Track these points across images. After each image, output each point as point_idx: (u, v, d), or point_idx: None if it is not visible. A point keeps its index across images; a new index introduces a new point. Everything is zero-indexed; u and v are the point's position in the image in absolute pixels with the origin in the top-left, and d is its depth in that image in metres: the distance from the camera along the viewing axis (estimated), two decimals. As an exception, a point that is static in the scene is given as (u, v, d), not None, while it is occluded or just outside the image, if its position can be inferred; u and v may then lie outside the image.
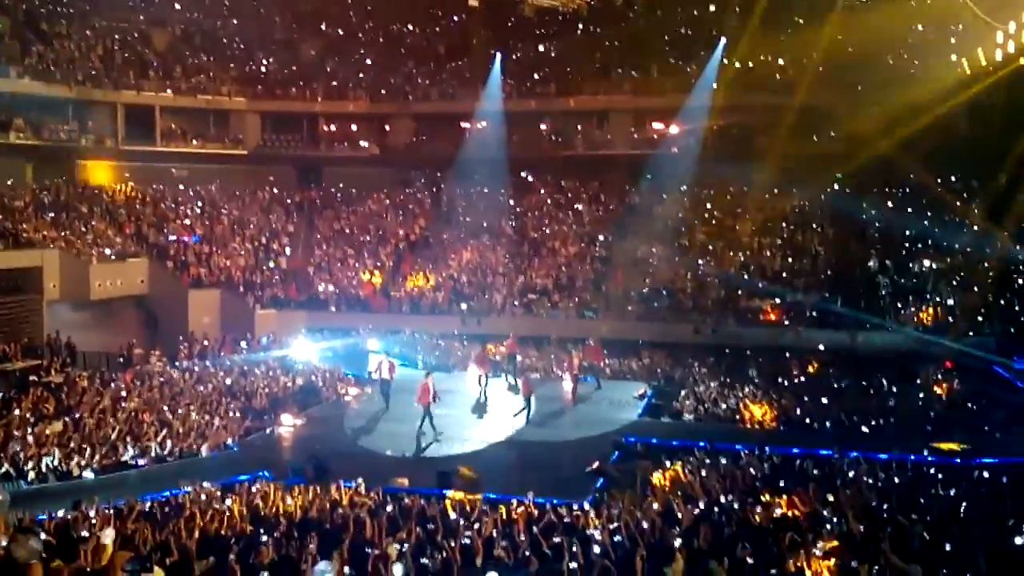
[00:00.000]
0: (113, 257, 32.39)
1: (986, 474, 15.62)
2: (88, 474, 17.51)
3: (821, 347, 28.21)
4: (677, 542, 10.99)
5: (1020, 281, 29.35)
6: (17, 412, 20.46)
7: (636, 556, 10.10)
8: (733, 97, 35.78)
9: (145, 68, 39.93)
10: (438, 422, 21.38)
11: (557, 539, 11.48)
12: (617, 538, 11.65)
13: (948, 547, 10.93)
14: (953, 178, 34.68)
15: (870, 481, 14.83)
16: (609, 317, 31.61)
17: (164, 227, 35.90)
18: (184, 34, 43.88)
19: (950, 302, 29.19)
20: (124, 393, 22.79)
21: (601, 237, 36.47)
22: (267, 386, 24.80)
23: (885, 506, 12.97)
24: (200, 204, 38.97)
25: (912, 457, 17.05)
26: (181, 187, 39.97)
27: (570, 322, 31.63)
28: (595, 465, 17.78)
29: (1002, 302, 28.55)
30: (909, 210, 34.07)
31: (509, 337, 28.33)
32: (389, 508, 13.50)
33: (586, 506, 14.53)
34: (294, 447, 20.60)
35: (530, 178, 40.41)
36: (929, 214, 33.56)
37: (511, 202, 39.60)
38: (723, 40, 36.63)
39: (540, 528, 12.20)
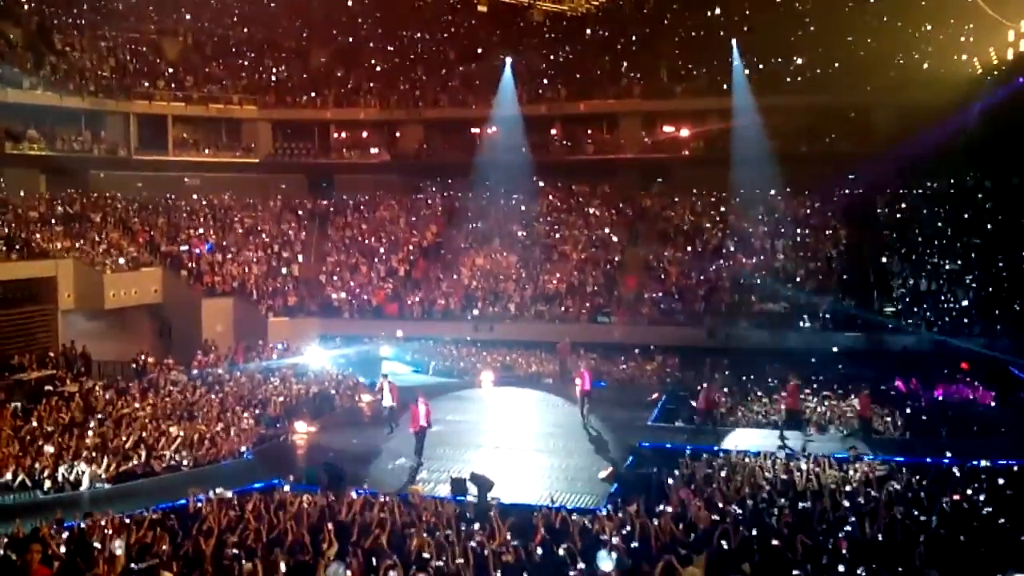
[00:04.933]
0: (127, 266, 32.54)
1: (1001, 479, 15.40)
2: (103, 483, 17.54)
3: (835, 349, 28.06)
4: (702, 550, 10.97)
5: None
6: (33, 422, 20.53)
7: (652, 560, 10.06)
8: (745, 99, 35.70)
9: (157, 78, 40.18)
10: (457, 428, 21.57)
11: (567, 545, 11.46)
12: (634, 544, 11.62)
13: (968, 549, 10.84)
14: (968, 177, 34.62)
15: (896, 486, 14.68)
16: (622, 321, 31.61)
17: (177, 236, 36.06)
18: (195, 44, 44.19)
19: (964, 303, 29.03)
20: (138, 402, 22.85)
21: (613, 240, 36.43)
22: (281, 394, 24.81)
23: (905, 510, 12.86)
24: (212, 213, 39.15)
25: (929, 460, 16.89)
26: (194, 196, 40.15)
27: (583, 327, 31.62)
28: (609, 471, 17.71)
29: (1017, 303, 28.36)
30: (924, 211, 34.00)
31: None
32: (403, 515, 13.48)
33: (601, 511, 14.47)
34: (308, 454, 20.57)
35: (541, 183, 40.37)
36: (944, 214, 33.48)
37: (522, 207, 39.60)
38: (734, 43, 36.53)
39: (556, 534, 12.15)
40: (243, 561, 10.72)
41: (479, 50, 43.52)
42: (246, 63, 44.43)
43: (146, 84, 39.39)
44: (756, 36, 37.04)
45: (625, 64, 41.43)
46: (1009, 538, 11.57)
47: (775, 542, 11.34)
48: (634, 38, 41.69)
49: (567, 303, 32.82)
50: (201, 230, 37.29)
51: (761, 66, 36.69)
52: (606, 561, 9.70)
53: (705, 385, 22.54)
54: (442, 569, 10.65)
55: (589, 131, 41.46)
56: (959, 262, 30.95)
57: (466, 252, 37.21)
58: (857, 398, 21.34)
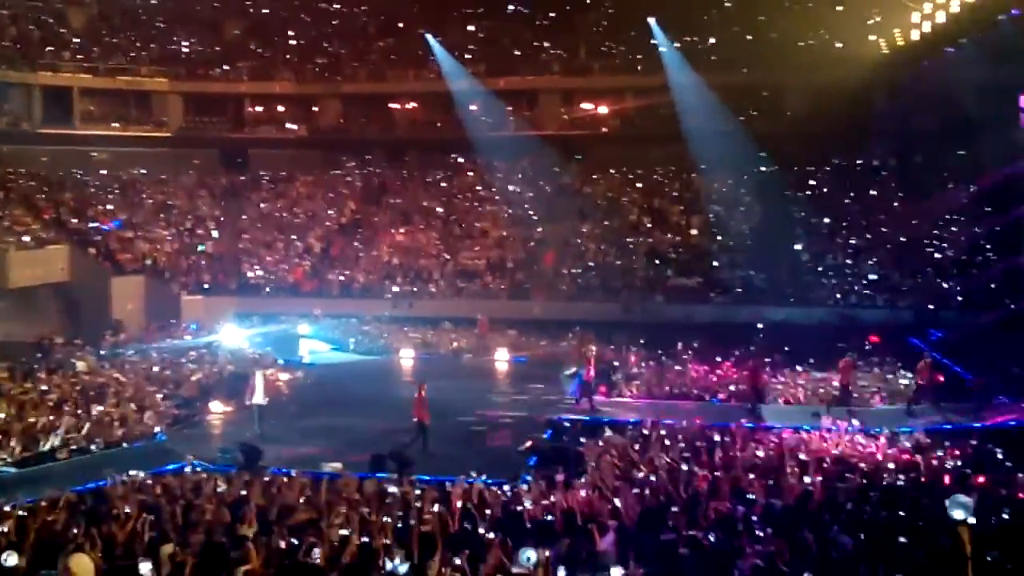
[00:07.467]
0: (32, 244, 31.41)
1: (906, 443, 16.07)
2: (9, 468, 17.03)
3: (760, 325, 28.68)
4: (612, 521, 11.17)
5: (936, 256, 30.39)
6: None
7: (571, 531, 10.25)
8: (661, 77, 36.12)
9: (62, 48, 38.70)
10: (376, 404, 21.53)
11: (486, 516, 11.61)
12: (549, 516, 11.80)
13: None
14: (874, 156, 35.76)
15: (803, 457, 15.11)
16: (541, 297, 31.88)
17: (85, 213, 34.93)
18: (102, 13, 42.58)
19: (872, 277, 30.08)
20: (45, 384, 22.15)
21: (532, 217, 36.58)
22: (195, 374, 24.37)
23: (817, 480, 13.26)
24: (122, 189, 37.99)
25: (842, 427, 17.36)
26: (102, 171, 38.87)
27: (503, 303, 31.80)
28: (528, 444, 17.90)
29: (919, 277, 29.54)
30: (832, 187, 35.04)
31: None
32: (322, 493, 13.42)
33: (520, 485, 14.62)
34: (224, 434, 20.29)
35: (460, 159, 40.21)
36: (850, 191, 34.56)
37: (442, 184, 39.44)
38: (652, 21, 36.81)
39: (475, 507, 12.26)
40: (160, 544, 10.56)
41: (399, 24, 42.98)
42: (156, 34, 43.01)
43: (50, 54, 37.89)
44: (671, 15, 37.40)
45: (545, 41, 41.43)
46: (919, 508, 12.01)
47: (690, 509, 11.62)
48: (554, 15, 41.72)
49: (487, 279, 32.94)
50: (111, 206, 36.17)
51: (676, 44, 37.12)
52: (530, 559, 9.74)
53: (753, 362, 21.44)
54: (365, 545, 10.65)
55: (509, 108, 41.40)
56: (865, 237, 32.04)
57: (385, 229, 36.95)
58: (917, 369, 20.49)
